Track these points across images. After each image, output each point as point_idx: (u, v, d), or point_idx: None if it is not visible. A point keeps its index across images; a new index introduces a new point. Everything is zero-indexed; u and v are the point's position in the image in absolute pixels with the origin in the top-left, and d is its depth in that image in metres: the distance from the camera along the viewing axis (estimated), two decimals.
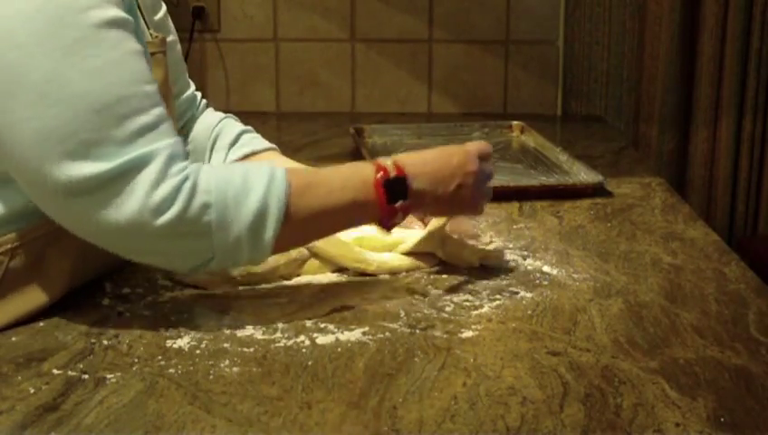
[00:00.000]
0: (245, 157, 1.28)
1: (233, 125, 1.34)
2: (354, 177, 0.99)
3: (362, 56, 2.36)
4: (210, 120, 1.34)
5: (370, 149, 1.84)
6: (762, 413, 0.79)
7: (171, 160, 0.90)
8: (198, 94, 1.37)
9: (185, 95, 1.32)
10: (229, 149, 1.30)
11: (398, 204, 1.00)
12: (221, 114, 1.36)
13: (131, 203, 0.88)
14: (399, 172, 1.00)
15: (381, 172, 0.99)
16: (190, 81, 1.35)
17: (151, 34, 1.13)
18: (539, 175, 1.65)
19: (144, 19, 1.13)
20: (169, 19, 1.27)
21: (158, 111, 0.92)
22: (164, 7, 1.25)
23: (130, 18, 0.94)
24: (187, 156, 0.94)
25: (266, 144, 1.32)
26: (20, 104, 0.87)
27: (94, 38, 0.89)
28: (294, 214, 0.94)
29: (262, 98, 2.39)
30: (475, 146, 1.09)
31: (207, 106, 1.38)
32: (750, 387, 0.84)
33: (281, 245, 0.95)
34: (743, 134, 2.23)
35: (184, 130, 1.32)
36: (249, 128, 1.35)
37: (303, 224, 0.96)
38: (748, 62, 2.20)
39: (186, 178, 0.90)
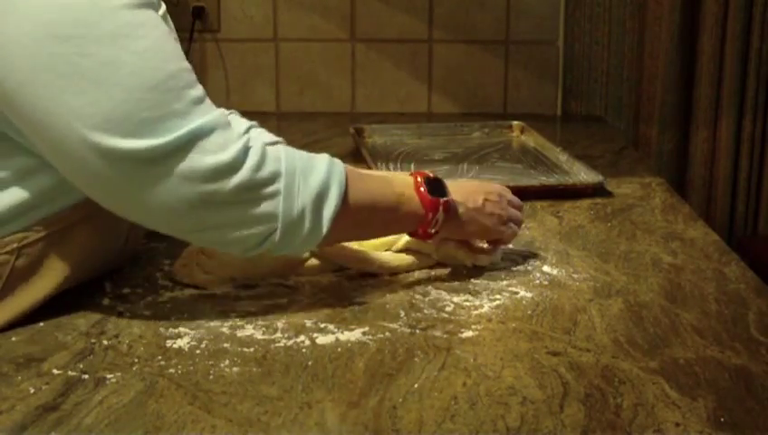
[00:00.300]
0: None
1: (238, 122, 1.34)
2: (398, 177, 1.08)
3: (362, 56, 2.36)
4: None
5: (370, 149, 1.84)
6: (762, 413, 0.79)
7: (227, 127, 0.93)
8: None
9: None
10: None
11: (440, 199, 1.06)
12: (225, 110, 1.36)
13: (204, 167, 0.89)
14: (433, 177, 1.08)
15: (420, 175, 1.07)
16: None
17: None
18: (539, 175, 1.65)
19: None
20: (168, 18, 1.27)
21: (200, 85, 0.94)
22: (163, 6, 1.25)
23: (158, 1, 0.97)
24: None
25: (274, 138, 1.32)
26: (75, 94, 0.87)
27: (136, 20, 0.90)
28: (350, 199, 0.98)
29: (262, 98, 2.39)
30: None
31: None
32: (750, 387, 0.84)
33: (335, 229, 0.97)
34: (743, 134, 2.23)
35: None
36: (255, 123, 1.35)
37: (356, 211, 1.00)
38: (748, 62, 2.20)
39: (248, 143, 0.93)
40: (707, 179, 2.28)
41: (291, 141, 1.90)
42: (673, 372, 0.86)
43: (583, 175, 1.59)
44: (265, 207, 0.92)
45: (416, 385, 0.83)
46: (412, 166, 1.72)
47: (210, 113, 0.92)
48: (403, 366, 0.88)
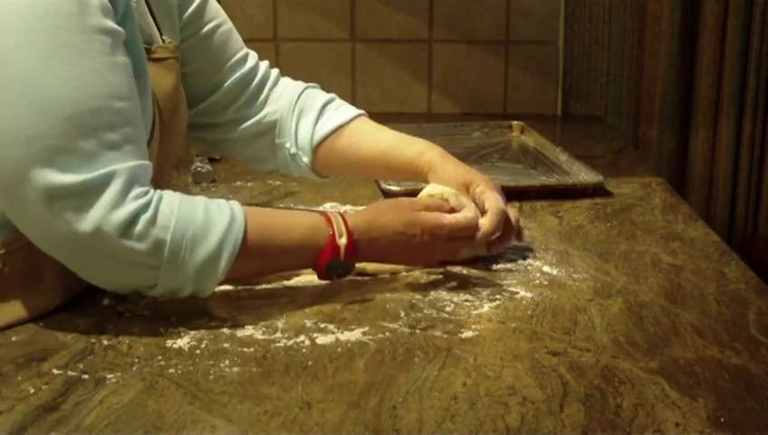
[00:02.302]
0: (332, 132, 1.27)
1: (314, 97, 1.31)
2: (306, 242, 1.02)
3: (362, 56, 2.36)
4: (290, 95, 1.30)
5: None
6: (762, 413, 0.79)
7: (131, 184, 0.90)
8: (263, 67, 1.31)
9: (237, 74, 1.27)
10: (315, 126, 1.28)
11: (335, 275, 1.06)
12: (300, 84, 1.33)
13: (88, 221, 0.88)
14: (349, 254, 1.03)
15: (330, 252, 1.02)
16: (251, 54, 1.30)
17: (164, 40, 1.12)
18: (539, 175, 1.65)
19: (156, 24, 1.12)
20: (211, 3, 1.24)
21: (127, 130, 0.92)
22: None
23: (120, 30, 0.93)
24: (149, 181, 0.94)
25: (353, 112, 1.30)
26: None
27: (78, 45, 0.88)
28: (243, 260, 0.96)
29: None
30: (445, 205, 1.11)
31: (279, 77, 1.34)
32: (750, 387, 0.84)
33: (225, 281, 0.98)
34: (743, 134, 2.23)
35: (244, 110, 1.29)
36: (332, 96, 1.32)
37: (249, 266, 0.99)
38: (748, 62, 2.20)
39: (145, 206, 0.91)
40: (707, 179, 2.28)
41: None
42: (673, 372, 0.86)
43: (583, 175, 1.59)
44: (144, 272, 0.93)
45: (416, 385, 0.83)
46: None
47: (120, 163, 0.90)
48: (403, 366, 0.88)
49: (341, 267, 1.04)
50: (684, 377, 0.86)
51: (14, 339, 0.94)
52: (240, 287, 1.08)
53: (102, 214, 0.88)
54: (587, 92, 2.32)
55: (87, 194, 0.88)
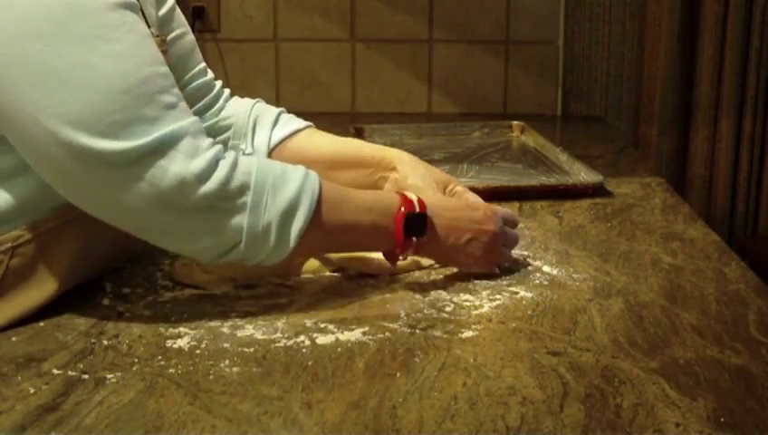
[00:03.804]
0: (291, 134, 1.30)
1: (268, 108, 1.35)
2: (380, 202, 1.04)
3: (362, 56, 2.36)
4: (244, 104, 1.34)
5: None
6: (762, 413, 0.79)
7: (199, 135, 0.93)
8: (219, 83, 1.35)
9: (200, 80, 1.30)
10: (272, 128, 1.30)
11: (414, 239, 1.03)
12: (250, 100, 1.36)
13: (171, 174, 0.89)
14: (422, 209, 1.04)
15: (406, 204, 1.03)
16: (208, 70, 1.34)
17: (153, 32, 1.12)
18: (539, 175, 1.65)
19: (145, 16, 1.12)
20: (178, 11, 1.26)
21: (177, 90, 0.94)
22: (169, 3, 1.24)
23: (136, 2, 0.96)
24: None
25: (304, 123, 1.34)
26: (45, 92, 0.87)
27: (113, 22, 0.90)
28: (321, 217, 0.97)
29: (262, 98, 2.38)
30: (503, 210, 1.15)
31: (230, 95, 1.37)
32: (750, 387, 0.84)
33: (302, 246, 0.96)
34: (743, 134, 2.23)
35: (208, 117, 1.31)
36: (283, 109, 1.36)
37: (326, 230, 0.98)
38: (748, 62, 2.20)
39: (222, 152, 0.93)
40: (707, 179, 2.28)
41: None
42: (673, 372, 0.86)
43: (583, 175, 1.59)
44: (231, 219, 0.92)
45: (416, 385, 0.83)
46: None
47: (183, 120, 0.92)
48: (403, 366, 0.88)
49: (419, 221, 1.03)
50: (684, 377, 0.86)
51: (14, 339, 0.94)
52: (240, 287, 1.08)
53: (182, 165, 0.89)
54: (587, 92, 2.32)
55: (161, 151, 0.89)
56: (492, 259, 1.11)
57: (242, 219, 0.92)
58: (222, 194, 0.91)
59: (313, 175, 0.98)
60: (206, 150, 0.92)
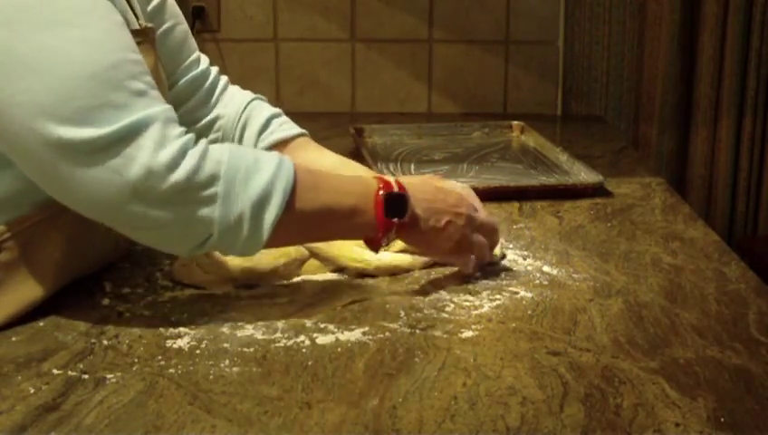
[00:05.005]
0: (276, 145, 1.26)
1: (261, 108, 1.31)
2: (358, 184, 1.01)
3: (362, 56, 2.36)
4: (238, 102, 1.30)
5: (370, 149, 1.84)
6: (762, 413, 0.79)
7: (169, 124, 0.91)
8: (214, 71, 1.33)
9: (194, 72, 1.28)
10: (258, 136, 1.27)
11: (395, 220, 1.00)
12: (249, 94, 1.33)
13: (138, 164, 0.87)
14: (401, 189, 1.01)
15: (384, 185, 1.00)
16: (203, 58, 1.32)
17: (140, 24, 1.12)
18: (539, 175, 1.65)
19: (132, 7, 1.12)
20: (169, 3, 1.24)
21: (148, 78, 0.92)
22: None
23: None
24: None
25: (297, 130, 1.30)
26: (10, 79, 0.86)
27: (80, 8, 0.89)
28: (296, 205, 0.94)
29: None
30: (473, 197, 1.13)
31: (228, 84, 1.34)
32: (750, 387, 0.84)
33: (278, 235, 0.94)
34: (743, 134, 2.23)
35: (197, 112, 1.29)
36: (278, 111, 1.31)
37: (302, 218, 0.96)
38: (748, 62, 2.20)
39: (191, 141, 0.91)
40: (707, 179, 2.28)
41: None
42: (673, 372, 0.86)
43: (583, 175, 1.59)
44: (201, 210, 0.90)
45: (416, 385, 0.83)
46: (412, 166, 1.72)
47: (152, 107, 0.90)
48: (403, 366, 0.88)
49: (399, 201, 1.01)
50: (684, 377, 0.86)
51: (14, 339, 0.94)
52: (240, 287, 1.08)
53: (149, 154, 0.87)
54: (587, 92, 2.32)
55: (128, 139, 0.87)
56: (466, 246, 1.08)
57: (212, 210, 0.90)
58: (191, 184, 0.89)
59: (288, 162, 0.96)
60: (175, 139, 0.90)
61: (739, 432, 0.76)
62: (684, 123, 2.28)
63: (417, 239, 1.07)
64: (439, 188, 1.09)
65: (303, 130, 1.31)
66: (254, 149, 0.96)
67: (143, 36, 1.10)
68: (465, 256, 1.09)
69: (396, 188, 1.01)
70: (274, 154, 0.96)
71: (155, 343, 0.93)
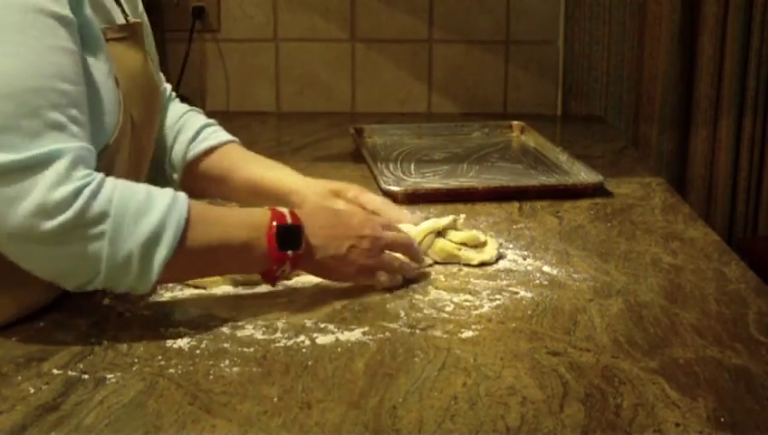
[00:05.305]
0: (206, 152, 1.27)
1: (195, 119, 1.31)
2: (250, 218, 1.00)
3: (362, 56, 2.36)
4: (173, 114, 1.31)
5: (370, 149, 1.84)
6: (762, 413, 0.79)
7: (76, 164, 0.88)
8: (168, 87, 1.33)
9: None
10: (189, 144, 1.28)
11: (289, 253, 0.99)
12: (185, 107, 1.33)
13: (28, 200, 0.85)
14: (295, 220, 1.00)
15: (276, 217, 0.99)
16: (161, 75, 1.32)
17: (128, 20, 1.10)
18: (539, 175, 1.65)
19: (120, 3, 1.10)
20: (140, 9, 1.23)
21: (73, 112, 0.89)
22: (144, 23, 1.20)
23: (71, 17, 0.92)
24: (94, 164, 0.91)
25: (227, 137, 1.31)
26: None
27: (19, 24, 0.87)
28: (187, 242, 0.92)
29: (262, 98, 2.39)
30: (380, 218, 1.13)
31: (174, 98, 1.34)
32: (750, 387, 0.84)
33: (170, 272, 0.93)
34: (743, 134, 2.23)
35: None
36: (211, 121, 1.32)
37: (194, 255, 0.95)
38: (748, 62, 2.20)
39: (88, 184, 0.88)
40: (707, 179, 2.28)
41: (291, 141, 1.90)
42: (673, 372, 0.86)
43: (583, 175, 1.59)
44: (88, 248, 0.88)
45: (416, 385, 0.83)
46: (412, 166, 1.72)
47: (65, 142, 0.87)
48: (403, 366, 0.88)
49: (292, 233, 0.99)
50: (684, 377, 0.86)
51: (14, 339, 0.94)
52: (240, 287, 1.08)
53: (44, 192, 0.85)
54: (587, 92, 2.32)
55: (29, 172, 0.85)
56: (375, 266, 1.06)
57: (100, 248, 0.88)
58: (78, 223, 0.87)
59: (182, 198, 0.93)
60: (76, 181, 0.87)
61: (739, 432, 0.76)
62: (684, 123, 2.28)
63: (316, 269, 1.05)
64: (339, 214, 1.09)
65: (234, 138, 1.32)
66: (148, 185, 0.94)
67: (129, 32, 1.08)
68: (373, 277, 1.06)
69: (289, 220, 0.99)
70: (168, 190, 0.94)
71: (155, 343, 0.93)
